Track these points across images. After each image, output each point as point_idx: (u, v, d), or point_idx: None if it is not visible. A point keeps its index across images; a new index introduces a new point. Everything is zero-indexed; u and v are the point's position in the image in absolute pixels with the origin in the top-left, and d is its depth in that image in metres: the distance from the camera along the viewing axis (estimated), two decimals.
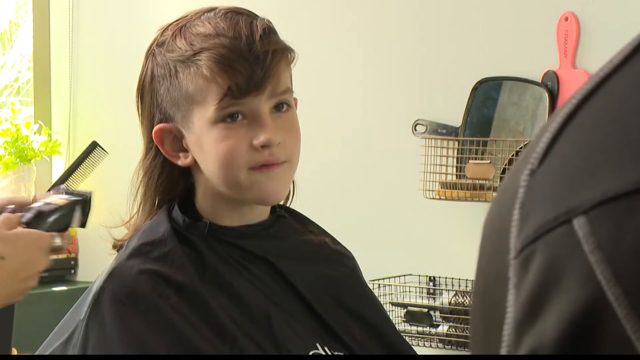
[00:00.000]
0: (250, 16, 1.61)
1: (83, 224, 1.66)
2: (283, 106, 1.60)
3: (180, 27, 1.60)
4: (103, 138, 3.63)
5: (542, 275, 0.53)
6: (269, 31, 1.59)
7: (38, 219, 1.61)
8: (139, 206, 1.65)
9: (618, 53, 0.55)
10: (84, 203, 1.65)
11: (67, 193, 1.66)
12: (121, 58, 3.63)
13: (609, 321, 0.50)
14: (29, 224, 1.59)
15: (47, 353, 1.61)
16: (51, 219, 1.62)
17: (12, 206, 1.61)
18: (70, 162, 1.76)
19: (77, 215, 1.64)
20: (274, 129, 1.56)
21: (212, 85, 1.55)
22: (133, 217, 1.65)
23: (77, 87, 3.66)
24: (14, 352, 1.75)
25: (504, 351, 0.55)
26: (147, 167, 1.64)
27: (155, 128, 1.60)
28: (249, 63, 1.54)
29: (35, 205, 1.63)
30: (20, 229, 1.56)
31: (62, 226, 1.63)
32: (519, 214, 0.55)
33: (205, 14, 1.61)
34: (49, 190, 1.71)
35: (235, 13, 1.60)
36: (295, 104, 1.67)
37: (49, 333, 1.64)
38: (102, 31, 3.70)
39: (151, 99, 1.61)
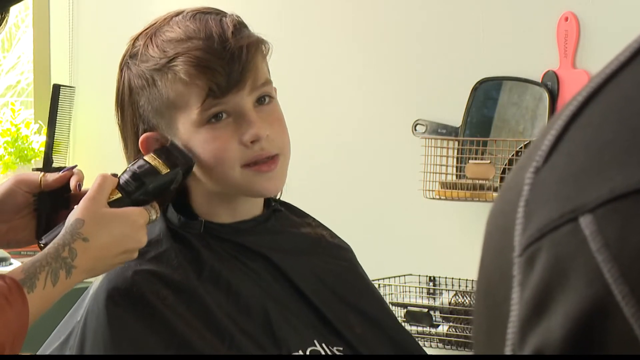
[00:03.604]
0: (219, 14, 1.60)
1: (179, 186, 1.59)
2: (265, 99, 1.59)
3: (150, 35, 1.60)
4: (103, 138, 3.64)
5: (548, 273, 0.53)
6: (240, 26, 1.59)
7: (138, 184, 1.54)
8: None
9: (624, 50, 0.55)
10: (186, 170, 1.56)
11: (166, 153, 1.56)
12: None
13: (616, 320, 0.50)
14: (127, 190, 1.53)
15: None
16: (151, 185, 1.54)
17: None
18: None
19: (176, 180, 1.56)
20: (260, 122, 1.56)
21: (193, 89, 1.55)
22: None
23: (77, 87, 3.66)
24: None
25: (508, 349, 0.55)
26: None
27: (141, 138, 1.59)
28: (226, 61, 1.54)
29: (132, 167, 1.55)
30: (118, 210, 1.51)
31: (160, 192, 1.56)
32: (523, 211, 0.55)
33: (173, 18, 1.60)
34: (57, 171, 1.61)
35: (203, 13, 1.60)
36: (275, 93, 1.66)
37: (49, 333, 1.64)
38: (102, 31, 3.70)
39: (133, 111, 1.61)
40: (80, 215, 1.49)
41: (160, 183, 1.55)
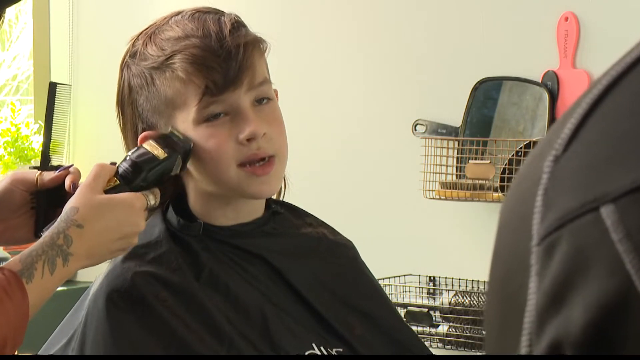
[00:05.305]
0: (218, 13, 1.61)
1: (180, 172, 1.59)
2: (264, 99, 1.59)
3: (150, 34, 1.61)
4: (103, 137, 3.64)
5: (568, 263, 0.52)
6: (238, 25, 1.59)
7: (136, 171, 1.54)
8: None
9: None
10: (184, 154, 1.56)
11: (165, 139, 1.56)
12: (121, 58, 3.61)
13: (637, 311, 0.49)
14: (125, 177, 1.54)
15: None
16: (150, 172, 1.54)
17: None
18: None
19: (175, 165, 1.56)
20: (257, 121, 1.56)
21: (190, 87, 1.55)
22: None
23: (77, 85, 3.65)
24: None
25: (524, 339, 0.55)
26: None
27: (140, 136, 1.60)
28: (223, 59, 1.54)
29: (130, 154, 1.55)
30: (113, 196, 1.51)
31: (159, 178, 1.56)
32: (542, 200, 0.54)
33: (173, 18, 1.61)
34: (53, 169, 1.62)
35: (202, 12, 1.61)
36: (276, 96, 1.66)
37: (49, 333, 1.64)
38: (101, 29, 3.70)
39: (132, 110, 1.61)
40: (74, 203, 1.49)
41: (159, 169, 1.55)
